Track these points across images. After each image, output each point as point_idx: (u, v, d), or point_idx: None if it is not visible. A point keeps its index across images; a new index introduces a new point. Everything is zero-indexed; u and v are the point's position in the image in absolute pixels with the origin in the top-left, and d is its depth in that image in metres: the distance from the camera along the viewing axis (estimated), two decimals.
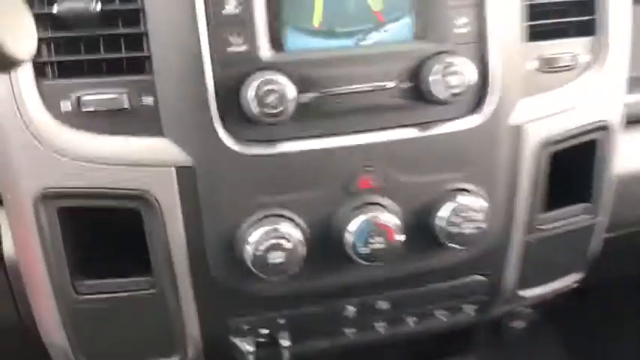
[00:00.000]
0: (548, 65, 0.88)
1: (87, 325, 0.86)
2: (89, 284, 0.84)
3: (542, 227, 0.96)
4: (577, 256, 1.05)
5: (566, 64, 0.89)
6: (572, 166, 0.98)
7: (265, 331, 0.90)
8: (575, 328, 1.82)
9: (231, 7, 0.74)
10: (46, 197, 0.78)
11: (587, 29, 0.90)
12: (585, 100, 0.91)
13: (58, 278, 0.82)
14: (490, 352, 1.65)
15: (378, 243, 0.81)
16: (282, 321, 0.90)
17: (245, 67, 0.75)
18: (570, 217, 0.99)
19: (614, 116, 0.95)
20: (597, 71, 0.91)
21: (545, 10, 0.88)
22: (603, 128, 0.94)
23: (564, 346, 1.89)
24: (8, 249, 0.87)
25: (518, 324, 1.22)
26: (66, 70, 0.76)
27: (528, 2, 0.86)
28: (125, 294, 0.84)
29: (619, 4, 0.91)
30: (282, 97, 0.74)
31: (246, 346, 0.89)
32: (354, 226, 0.81)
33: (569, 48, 0.89)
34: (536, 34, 0.87)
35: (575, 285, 1.12)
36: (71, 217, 0.81)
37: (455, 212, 0.83)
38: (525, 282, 1.01)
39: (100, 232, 0.84)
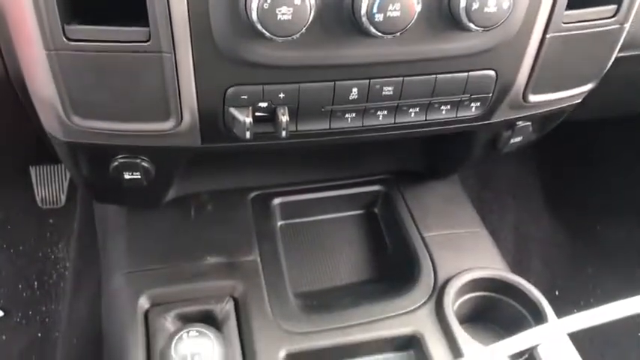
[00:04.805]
0: None
1: (77, 77, 0.81)
2: (80, 29, 0.77)
3: (567, 25, 0.91)
4: (593, 64, 1.01)
5: None
6: None
7: (264, 105, 0.87)
8: (556, 160, 1.85)
9: None
10: None
11: None
12: None
13: (47, 20, 0.75)
14: (473, 175, 1.67)
15: (394, 11, 0.75)
16: (282, 95, 0.86)
17: None
18: (598, 18, 0.93)
19: None
20: None
21: None
22: None
23: (545, 179, 1.94)
24: None
25: (516, 139, 1.20)
26: None
27: None
28: (119, 44, 0.78)
29: None
30: None
31: (245, 118, 0.86)
32: None
33: None
34: None
35: (578, 99, 1.09)
36: None
37: None
38: (535, 84, 0.97)
39: None
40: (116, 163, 0.97)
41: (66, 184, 1.63)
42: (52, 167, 1.60)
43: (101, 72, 0.80)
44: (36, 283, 1.69)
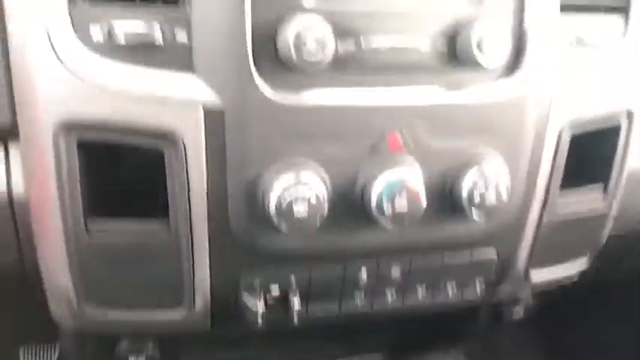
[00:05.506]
0: (580, 42, 0.88)
1: (95, 267, 0.83)
2: (102, 224, 0.81)
3: (560, 207, 0.96)
4: (588, 242, 1.05)
5: (597, 43, 0.89)
6: (591, 151, 0.99)
7: (276, 291, 0.88)
8: (561, 329, 1.85)
9: None
10: (68, 127, 0.75)
11: (621, 8, 0.91)
12: (614, 83, 0.92)
13: (71, 216, 0.79)
14: (477, 347, 1.65)
15: (402, 205, 0.80)
16: (294, 280, 0.88)
17: (285, 9, 0.74)
18: (588, 199, 0.99)
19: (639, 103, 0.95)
20: (628, 55, 0.92)
21: None
22: (629, 115, 0.95)
23: (547, 347, 1.91)
24: (17, 186, 0.84)
25: (518, 311, 1.21)
26: None
27: None
28: (138, 236, 0.81)
29: None
30: (321, 44, 0.72)
31: (257, 306, 0.87)
32: (380, 185, 0.79)
33: (602, 26, 0.89)
34: (568, 7, 0.87)
35: (575, 278, 1.12)
36: (90, 153, 0.78)
37: (479, 180, 0.82)
38: (535, 263, 1.01)
39: (118, 171, 0.81)
40: (121, 351, 0.96)
41: None
42: (41, 347, 1.56)
43: (119, 262, 0.83)
44: None
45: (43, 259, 0.86)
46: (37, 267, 0.87)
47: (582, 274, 1.13)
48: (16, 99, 0.78)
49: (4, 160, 0.84)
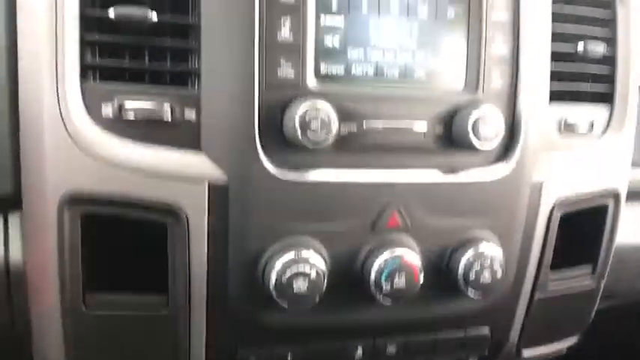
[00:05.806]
0: (568, 128, 0.92)
1: (89, 340, 0.82)
2: (100, 298, 0.81)
3: (550, 285, 0.98)
4: (578, 319, 1.07)
5: (584, 129, 0.93)
6: (580, 231, 1.02)
7: None
8: None
9: (285, 33, 0.77)
10: (73, 201, 0.76)
11: (606, 98, 0.96)
12: (601, 167, 0.96)
13: (70, 289, 0.79)
14: None
15: (400, 282, 0.81)
16: (290, 356, 0.88)
17: (291, 92, 0.77)
18: (578, 277, 1.01)
19: (624, 185, 0.99)
20: (614, 141, 0.96)
21: (568, 75, 0.93)
22: (615, 195, 0.98)
23: None
24: (15, 256, 0.84)
25: None
26: (111, 75, 0.76)
27: (552, 67, 0.91)
28: (136, 311, 0.81)
29: (636, 78, 0.97)
30: (325, 125, 0.75)
31: None
32: (379, 262, 0.81)
33: (588, 114, 0.94)
34: (557, 95, 0.92)
35: (564, 352, 1.13)
36: (91, 226, 0.79)
37: (475, 259, 0.84)
38: (527, 340, 1.02)
39: (119, 244, 0.81)
40: None
41: None
42: None
43: (114, 336, 0.82)
44: None
45: (36, 330, 0.85)
46: (28, 337, 0.86)
47: (572, 349, 1.14)
48: (22, 170, 0.79)
49: (2, 229, 0.84)
